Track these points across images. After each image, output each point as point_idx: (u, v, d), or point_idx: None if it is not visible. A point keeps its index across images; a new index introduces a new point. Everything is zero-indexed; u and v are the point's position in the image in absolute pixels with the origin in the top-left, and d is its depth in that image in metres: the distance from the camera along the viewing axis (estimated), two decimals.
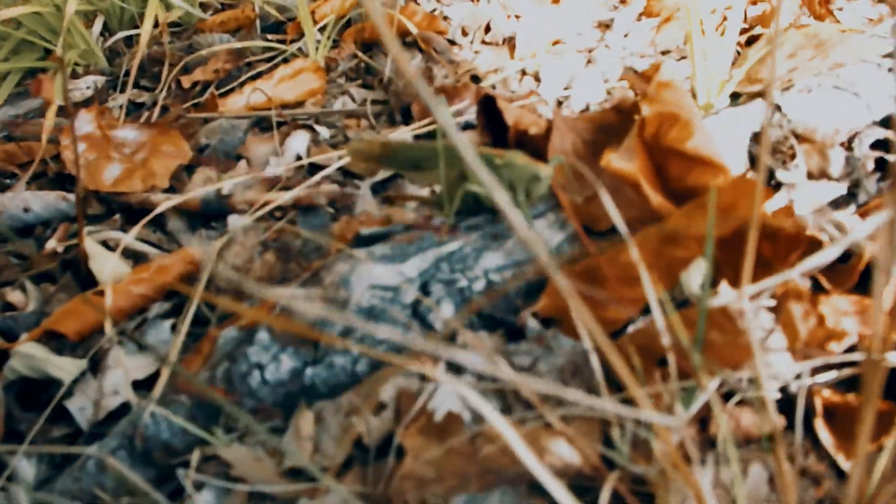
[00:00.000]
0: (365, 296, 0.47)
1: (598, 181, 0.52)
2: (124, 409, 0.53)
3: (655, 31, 1.01)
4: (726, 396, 0.42)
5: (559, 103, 0.89)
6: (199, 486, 0.43)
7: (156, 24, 1.23)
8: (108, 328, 0.58)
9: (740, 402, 0.42)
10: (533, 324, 0.49)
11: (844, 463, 0.38)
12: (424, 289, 0.49)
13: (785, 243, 0.43)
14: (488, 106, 0.68)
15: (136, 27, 1.26)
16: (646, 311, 0.48)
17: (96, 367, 0.58)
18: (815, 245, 0.48)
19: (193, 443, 0.46)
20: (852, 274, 0.47)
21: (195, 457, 0.43)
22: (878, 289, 0.26)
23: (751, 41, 0.88)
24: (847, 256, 0.49)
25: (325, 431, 0.44)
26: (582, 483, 0.37)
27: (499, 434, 0.38)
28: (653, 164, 0.50)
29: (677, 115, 0.50)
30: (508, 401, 0.44)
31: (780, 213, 0.48)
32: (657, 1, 1.06)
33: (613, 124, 0.56)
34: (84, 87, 1.10)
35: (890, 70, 0.71)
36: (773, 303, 0.41)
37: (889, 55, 0.71)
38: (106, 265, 0.63)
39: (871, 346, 0.29)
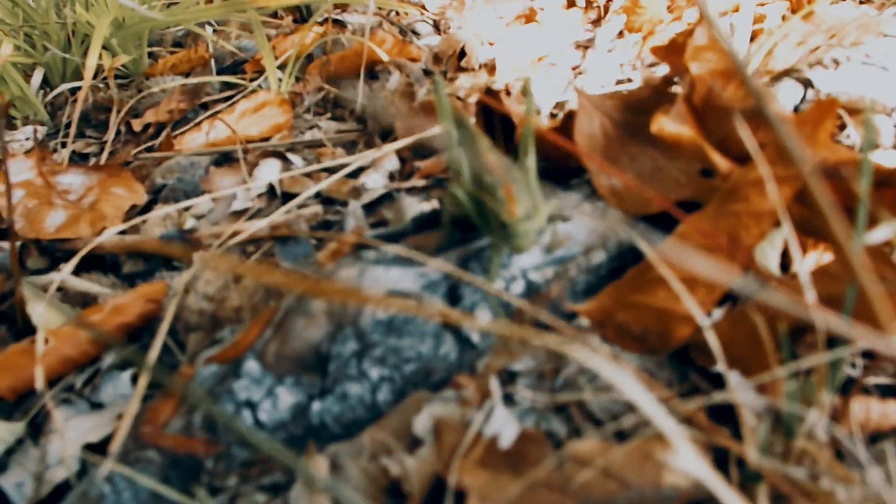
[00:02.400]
0: (381, 306, 0.37)
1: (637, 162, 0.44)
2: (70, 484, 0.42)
3: (640, 45, 0.96)
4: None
5: (552, 115, 0.82)
6: None
7: (100, 72, 1.15)
8: (40, 384, 0.47)
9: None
10: (585, 324, 0.40)
11: None
12: (453, 293, 0.39)
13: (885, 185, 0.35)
14: (488, 110, 0.60)
15: (79, 79, 1.17)
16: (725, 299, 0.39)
17: (37, 431, 0.46)
18: None
19: None
20: None
21: None
22: None
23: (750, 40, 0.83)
24: None
25: (345, 482, 0.33)
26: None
27: (595, 448, 0.28)
28: (707, 128, 0.43)
29: (729, 71, 0.42)
30: (575, 421, 0.34)
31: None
32: (637, 16, 1.01)
33: (645, 101, 0.49)
34: (23, 137, 0.99)
35: None
36: None
37: None
38: (37, 311, 0.52)
39: None
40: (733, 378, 0.30)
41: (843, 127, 0.54)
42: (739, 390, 0.28)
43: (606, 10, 1.15)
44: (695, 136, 0.40)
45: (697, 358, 0.37)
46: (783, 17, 0.89)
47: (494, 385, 0.34)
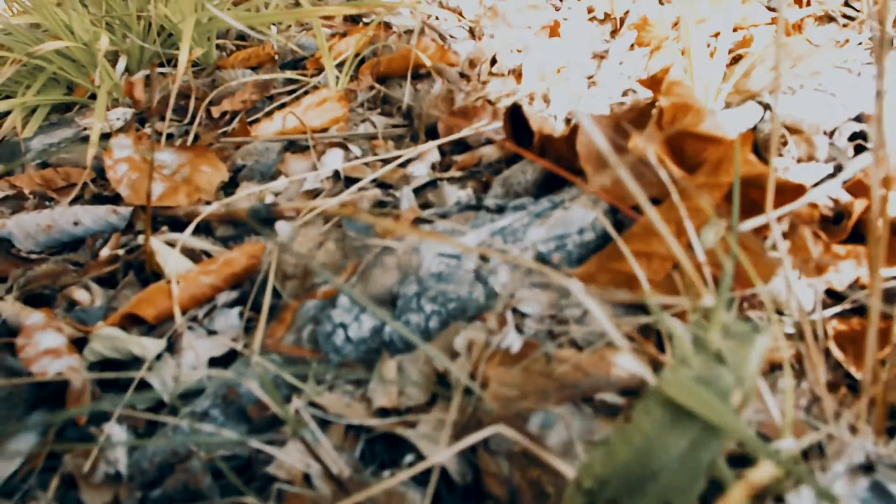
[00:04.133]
0: (434, 262, 0.54)
1: (623, 166, 0.60)
2: (200, 386, 0.58)
3: (648, 58, 1.11)
4: None
5: (568, 120, 0.97)
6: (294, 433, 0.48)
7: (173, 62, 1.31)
8: (177, 314, 0.64)
9: None
10: (577, 286, 0.55)
11: (856, 373, 0.45)
12: (483, 257, 0.55)
13: (785, 192, 0.51)
14: (515, 116, 0.76)
15: (158, 66, 1.34)
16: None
17: (171, 348, 0.63)
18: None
19: (285, 399, 0.51)
20: (845, 230, 0.54)
21: (296, 399, 0.48)
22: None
23: (735, 61, 0.98)
24: (840, 218, 0.57)
25: (407, 378, 0.50)
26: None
27: (571, 354, 0.44)
28: (670, 145, 0.58)
29: (689, 104, 0.58)
30: (563, 346, 0.50)
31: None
32: (646, 32, 1.16)
33: (632, 120, 0.64)
34: (115, 118, 1.16)
35: (859, 74, 0.81)
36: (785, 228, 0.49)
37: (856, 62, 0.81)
38: (171, 259, 0.69)
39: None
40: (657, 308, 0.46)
41: (785, 143, 0.69)
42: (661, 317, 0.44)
43: (622, 22, 1.29)
44: (658, 152, 0.56)
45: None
46: (780, 43, 1.03)
47: (509, 317, 0.50)
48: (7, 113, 1.22)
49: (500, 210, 0.59)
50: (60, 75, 1.27)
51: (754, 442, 0.26)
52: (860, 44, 0.92)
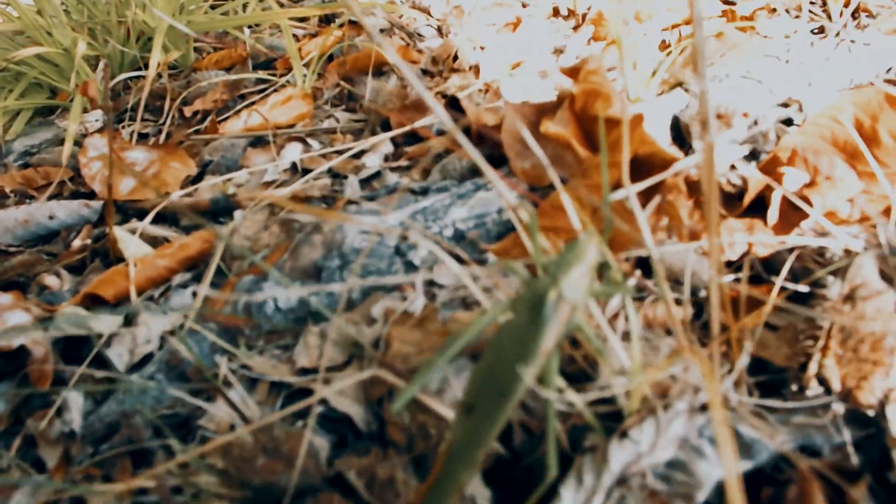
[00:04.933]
0: (356, 239, 0.59)
1: (541, 150, 0.65)
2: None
3: (602, 53, 1.15)
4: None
5: None
6: (227, 386, 0.54)
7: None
8: (133, 293, 0.69)
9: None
10: (493, 259, 0.60)
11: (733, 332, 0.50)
12: (404, 235, 0.60)
13: (658, 162, 0.56)
14: (454, 107, 0.81)
15: (136, 69, 1.39)
16: None
17: (129, 323, 0.68)
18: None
19: (219, 362, 0.56)
20: (742, 204, 0.59)
21: (224, 361, 0.54)
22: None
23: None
24: (742, 195, 0.62)
25: (329, 342, 0.55)
26: None
27: (466, 316, 0.49)
28: (582, 129, 0.63)
29: (600, 91, 0.63)
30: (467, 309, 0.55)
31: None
32: (602, 27, 1.21)
33: (553, 107, 0.69)
34: (93, 119, 1.22)
35: (787, 62, 0.86)
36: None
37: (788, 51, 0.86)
38: (131, 245, 0.74)
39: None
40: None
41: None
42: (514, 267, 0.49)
43: (584, 19, 1.34)
44: (567, 135, 0.60)
45: None
46: (718, 34, 1.08)
47: (419, 285, 0.55)
48: None
49: (424, 192, 0.64)
50: (42, 80, 1.33)
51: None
52: (795, 31, 0.96)
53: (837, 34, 1.00)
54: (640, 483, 0.38)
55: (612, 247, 0.50)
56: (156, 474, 0.48)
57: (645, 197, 0.55)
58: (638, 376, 0.40)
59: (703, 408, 0.41)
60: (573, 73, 0.68)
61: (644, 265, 0.59)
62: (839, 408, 0.46)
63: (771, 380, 0.51)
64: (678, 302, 0.50)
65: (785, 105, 0.84)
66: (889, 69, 0.91)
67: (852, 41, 0.93)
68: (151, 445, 0.53)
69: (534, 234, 0.37)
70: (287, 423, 0.49)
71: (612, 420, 0.41)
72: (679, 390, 0.41)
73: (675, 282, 0.55)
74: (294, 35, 1.44)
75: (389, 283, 0.54)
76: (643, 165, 0.57)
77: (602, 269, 0.48)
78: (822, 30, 1.11)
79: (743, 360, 0.45)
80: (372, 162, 0.91)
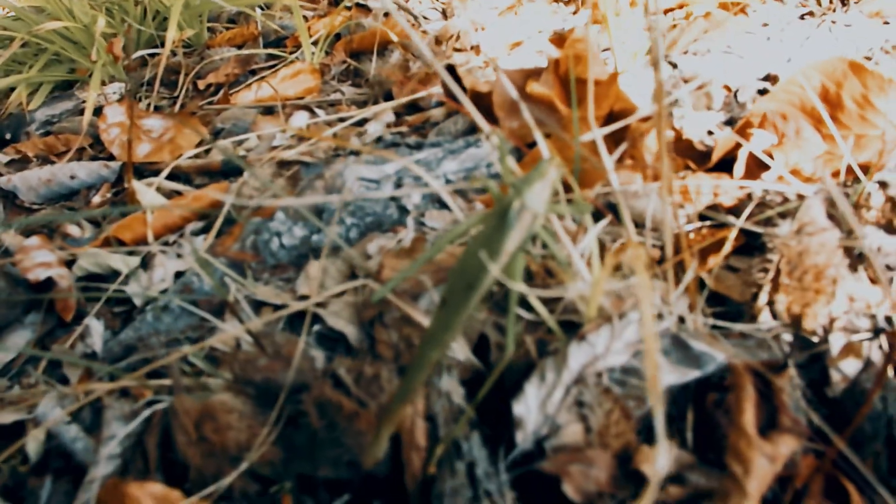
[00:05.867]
0: (355, 185, 0.64)
1: (526, 109, 0.70)
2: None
3: (596, 33, 1.20)
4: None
5: None
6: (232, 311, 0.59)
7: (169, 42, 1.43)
8: (150, 238, 0.75)
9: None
10: (479, 207, 0.66)
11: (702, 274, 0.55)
12: (399, 183, 0.66)
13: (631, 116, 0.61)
14: (451, 75, 0.86)
15: (153, 47, 1.45)
16: None
17: (145, 266, 0.74)
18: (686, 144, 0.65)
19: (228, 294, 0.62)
20: (710, 159, 0.64)
21: (233, 286, 0.59)
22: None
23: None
24: (711, 153, 0.67)
25: (328, 275, 0.60)
26: None
27: (449, 248, 0.54)
28: (565, 90, 0.68)
29: (581, 56, 0.68)
30: None
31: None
32: (599, 11, 1.26)
33: (540, 72, 0.74)
34: (111, 92, 1.28)
35: (768, 39, 0.91)
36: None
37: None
38: (148, 195, 0.80)
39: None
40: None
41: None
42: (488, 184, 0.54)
43: (583, 2, 1.39)
44: (550, 94, 0.66)
45: None
46: (706, 14, 1.12)
47: (410, 224, 0.60)
48: (13, 89, 1.34)
49: (419, 146, 0.69)
50: (63, 55, 1.39)
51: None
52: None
53: (823, 15, 1.05)
54: (595, 381, 0.43)
55: (581, 183, 0.55)
56: (168, 384, 0.53)
57: (616, 145, 0.60)
58: (596, 281, 0.45)
59: (660, 318, 0.47)
60: (560, 41, 0.73)
61: (614, 211, 0.64)
62: (787, 333, 0.51)
63: (728, 311, 0.56)
64: (641, 235, 0.55)
65: (766, 79, 0.89)
66: (869, 49, 0.96)
67: (833, 22, 0.98)
68: (165, 364, 0.58)
69: (503, 156, 0.43)
70: (287, 333, 0.55)
71: (574, 329, 0.47)
72: (633, 303, 0.46)
73: (642, 226, 0.60)
74: (304, 16, 1.49)
75: (385, 222, 0.60)
76: (618, 119, 0.62)
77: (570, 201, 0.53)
78: (811, 14, 1.16)
79: (687, 278, 0.50)
80: (374, 129, 0.96)
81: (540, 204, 0.40)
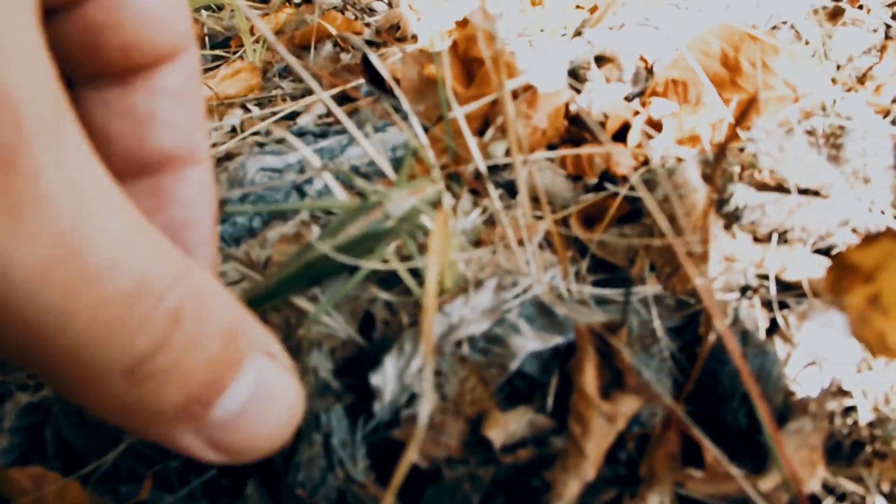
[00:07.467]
0: (257, 175, 0.65)
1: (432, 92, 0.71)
2: None
3: (538, 18, 1.21)
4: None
5: None
6: None
7: None
8: None
9: None
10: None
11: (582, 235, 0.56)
12: (302, 171, 0.67)
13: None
14: (367, 63, 0.87)
15: None
16: None
17: None
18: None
19: None
20: (606, 131, 0.65)
21: None
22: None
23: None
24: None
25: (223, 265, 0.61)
26: None
27: None
28: (465, 71, 0.69)
29: (473, 36, 0.69)
30: None
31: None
32: None
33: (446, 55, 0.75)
34: None
35: (687, 9, 0.91)
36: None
37: None
38: None
39: None
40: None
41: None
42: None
43: None
44: (444, 74, 0.67)
45: None
46: None
47: (305, 214, 0.61)
48: None
49: (324, 135, 0.70)
50: None
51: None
52: None
53: None
54: (452, 350, 0.45)
55: (457, 161, 0.56)
56: None
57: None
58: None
59: (514, 284, 0.48)
60: (463, 23, 0.74)
61: (510, 188, 0.65)
62: (662, 296, 0.52)
63: (615, 278, 0.57)
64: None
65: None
66: (784, 21, 0.97)
67: None
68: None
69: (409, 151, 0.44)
70: None
71: None
72: (491, 271, 0.47)
73: (534, 200, 0.61)
74: (252, 16, 1.50)
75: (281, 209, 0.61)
76: (514, 94, 0.63)
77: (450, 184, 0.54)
78: None
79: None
80: (304, 121, 0.97)
81: (399, 210, 0.41)
